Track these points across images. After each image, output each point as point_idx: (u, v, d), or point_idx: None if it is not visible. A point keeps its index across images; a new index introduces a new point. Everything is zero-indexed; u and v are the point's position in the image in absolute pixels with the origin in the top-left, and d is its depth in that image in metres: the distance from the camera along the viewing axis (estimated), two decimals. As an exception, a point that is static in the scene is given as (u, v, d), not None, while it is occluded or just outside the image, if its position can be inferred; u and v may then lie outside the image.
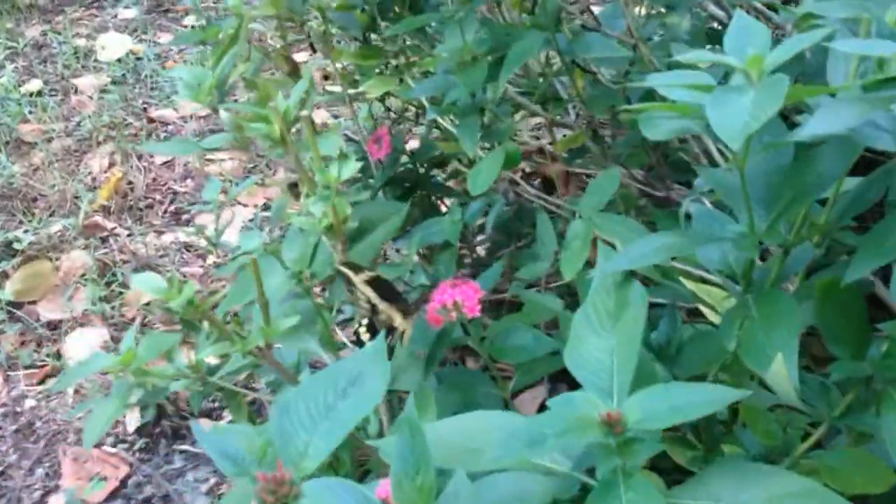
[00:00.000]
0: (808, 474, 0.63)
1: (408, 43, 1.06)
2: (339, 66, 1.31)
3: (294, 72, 1.14)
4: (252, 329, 0.90)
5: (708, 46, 0.93)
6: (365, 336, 0.85)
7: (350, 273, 0.82)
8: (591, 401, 0.58)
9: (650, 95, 0.99)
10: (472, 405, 0.85)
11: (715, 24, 1.07)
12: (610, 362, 0.62)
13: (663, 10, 0.89)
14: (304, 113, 0.75)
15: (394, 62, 1.09)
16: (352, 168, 0.77)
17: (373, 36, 1.23)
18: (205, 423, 1.46)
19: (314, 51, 1.33)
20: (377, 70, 1.17)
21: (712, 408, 0.52)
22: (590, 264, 0.83)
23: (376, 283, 0.83)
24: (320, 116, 2.21)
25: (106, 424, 0.70)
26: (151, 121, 2.33)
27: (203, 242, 1.57)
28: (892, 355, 0.58)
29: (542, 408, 0.88)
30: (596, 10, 1.02)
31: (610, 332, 0.64)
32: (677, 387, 0.55)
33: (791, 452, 0.63)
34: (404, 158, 1.21)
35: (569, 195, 1.03)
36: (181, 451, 1.45)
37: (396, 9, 1.05)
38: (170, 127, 2.32)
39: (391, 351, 0.88)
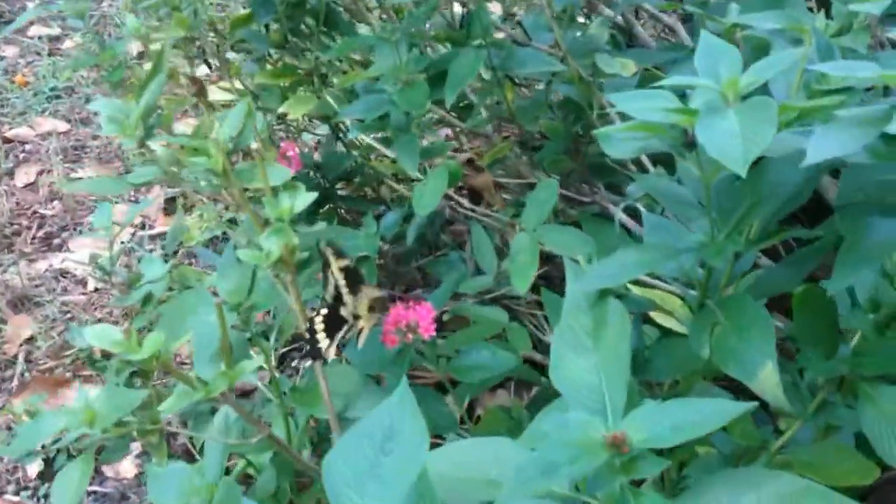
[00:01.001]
0: (783, 469, 0.67)
1: (321, 60, 1.05)
2: (238, 84, 1.29)
3: (200, 92, 1.11)
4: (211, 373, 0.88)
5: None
6: (319, 325, 0.84)
7: (331, 257, 0.81)
8: (589, 422, 0.60)
9: (572, 104, 1.02)
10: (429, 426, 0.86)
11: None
12: (598, 381, 0.64)
13: (584, 20, 0.92)
14: (255, 146, 0.74)
15: (304, 80, 1.08)
16: (305, 199, 0.76)
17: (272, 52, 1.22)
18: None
19: (210, 68, 1.30)
20: (282, 86, 1.16)
21: (716, 424, 0.55)
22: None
23: (350, 274, 0.83)
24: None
25: (77, 494, 0.67)
26: (7, 140, 2.21)
27: (81, 269, 1.51)
28: (862, 353, 0.62)
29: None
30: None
31: (591, 350, 0.66)
32: (675, 405, 0.57)
33: (768, 450, 0.67)
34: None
35: (498, 206, 1.05)
36: (89, 493, 1.40)
37: (306, 25, 1.04)
38: (27, 146, 2.21)
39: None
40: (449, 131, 1.24)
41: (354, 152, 1.27)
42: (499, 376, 0.85)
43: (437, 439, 0.88)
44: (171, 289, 1.28)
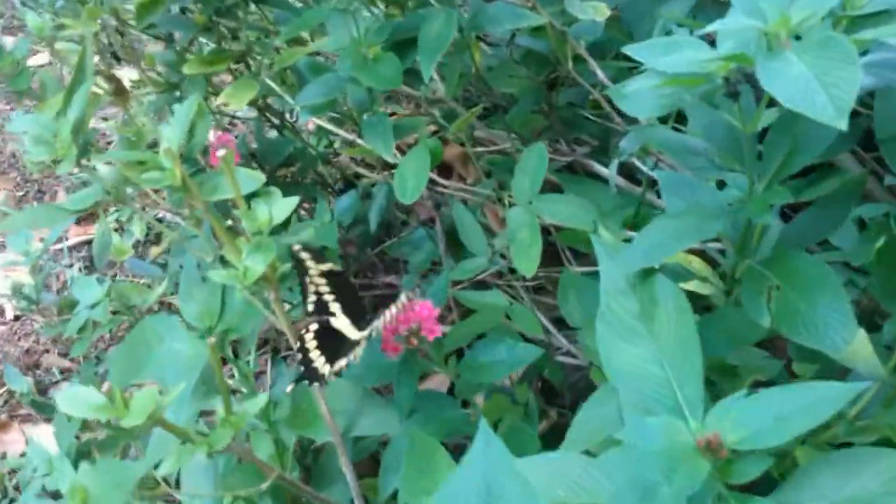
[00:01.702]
0: (863, 434, 0.62)
1: (253, 40, 0.95)
2: (151, 73, 1.17)
3: (119, 91, 0.99)
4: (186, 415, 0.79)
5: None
6: (310, 344, 0.76)
7: (310, 262, 0.72)
8: (671, 424, 0.53)
9: (538, 57, 0.94)
10: (444, 433, 0.78)
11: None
12: (662, 372, 0.58)
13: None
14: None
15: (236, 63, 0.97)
16: (285, 206, 0.67)
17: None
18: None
19: (118, 60, 1.18)
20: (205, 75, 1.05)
21: (827, 412, 0.49)
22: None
23: (333, 279, 0.74)
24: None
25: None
26: None
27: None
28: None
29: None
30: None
31: (646, 336, 0.60)
32: (771, 395, 0.51)
33: (845, 417, 0.62)
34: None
35: (472, 178, 0.97)
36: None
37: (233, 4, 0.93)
38: None
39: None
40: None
41: (286, 133, 1.17)
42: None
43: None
44: (114, 312, 1.17)
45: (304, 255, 0.73)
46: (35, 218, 0.74)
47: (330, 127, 0.92)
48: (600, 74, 0.83)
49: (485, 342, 0.77)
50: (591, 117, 0.93)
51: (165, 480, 0.99)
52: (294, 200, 0.67)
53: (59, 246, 1.81)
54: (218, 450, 0.64)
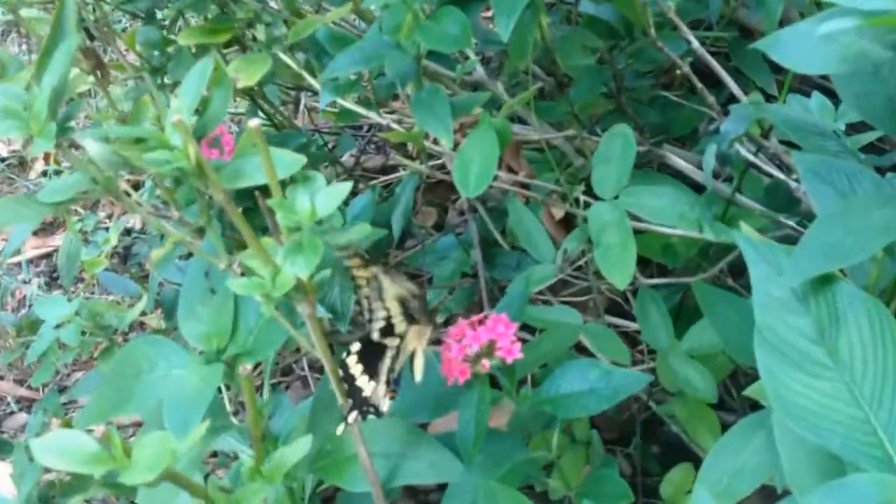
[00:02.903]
0: None
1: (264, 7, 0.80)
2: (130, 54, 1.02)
3: (98, 66, 0.85)
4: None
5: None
6: (355, 368, 0.62)
7: (361, 270, 0.58)
8: (884, 484, 0.40)
9: (604, 26, 0.81)
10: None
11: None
12: (859, 413, 0.44)
13: None
14: (255, 122, 0.49)
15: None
16: (333, 195, 0.52)
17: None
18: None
19: (91, 38, 1.03)
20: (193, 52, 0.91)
21: None
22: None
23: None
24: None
25: None
26: None
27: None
28: None
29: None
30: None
31: (828, 366, 0.46)
32: None
33: None
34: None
35: (524, 172, 0.83)
36: None
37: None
38: None
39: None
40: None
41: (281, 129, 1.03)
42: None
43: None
44: (83, 332, 1.02)
45: (350, 259, 0.58)
46: (7, 211, 0.59)
47: (358, 109, 0.78)
48: (695, 43, 0.70)
49: (569, 367, 0.63)
50: (673, 98, 0.80)
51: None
52: (346, 187, 0.52)
53: (15, 260, 1.64)
54: (247, 513, 0.49)
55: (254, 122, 0.50)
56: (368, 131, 1.56)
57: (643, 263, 0.89)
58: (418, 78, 0.68)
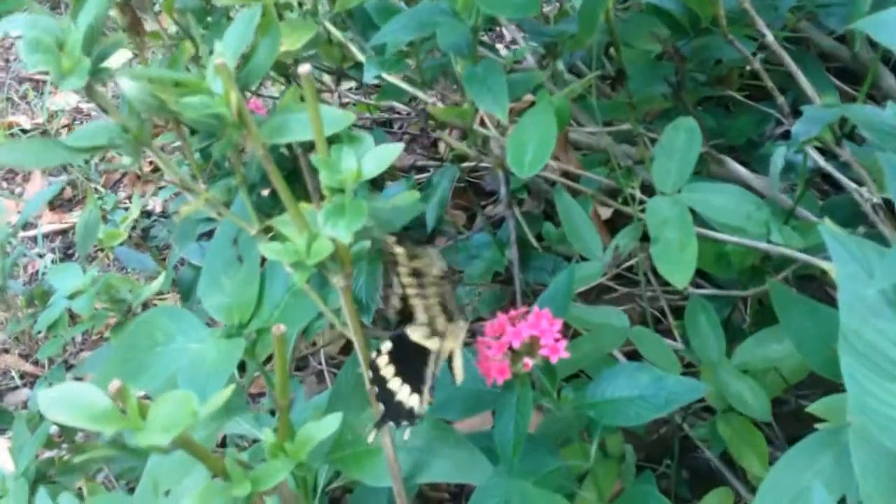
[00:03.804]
0: None
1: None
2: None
3: (134, 24, 0.81)
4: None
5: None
6: (387, 370, 0.57)
7: (397, 249, 0.54)
8: None
9: (670, 20, 0.77)
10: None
11: None
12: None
13: None
14: (304, 68, 0.46)
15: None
16: (382, 156, 0.49)
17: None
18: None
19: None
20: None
21: None
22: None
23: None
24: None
25: None
26: None
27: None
28: None
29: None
30: None
31: (922, 375, 0.42)
32: None
33: None
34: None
35: (573, 164, 0.79)
36: None
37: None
38: None
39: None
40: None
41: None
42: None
43: None
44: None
45: (398, 250, 0.54)
46: (27, 153, 0.55)
47: (403, 85, 0.74)
48: (769, 37, 0.66)
49: (618, 370, 0.58)
50: (740, 98, 0.76)
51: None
52: (396, 148, 0.48)
53: (30, 233, 1.61)
54: (264, 490, 0.45)
55: (304, 68, 0.46)
56: (400, 128, 1.53)
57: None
58: (474, 50, 0.64)
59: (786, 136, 0.77)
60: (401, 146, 0.49)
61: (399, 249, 0.54)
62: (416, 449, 0.63)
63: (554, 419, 0.68)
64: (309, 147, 0.51)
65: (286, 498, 0.55)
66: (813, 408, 0.55)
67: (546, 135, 0.59)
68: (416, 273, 0.56)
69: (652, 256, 0.60)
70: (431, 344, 0.59)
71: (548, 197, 1.09)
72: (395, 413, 0.56)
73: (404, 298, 0.57)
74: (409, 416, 0.56)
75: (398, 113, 1.49)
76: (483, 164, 1.39)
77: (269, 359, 1.09)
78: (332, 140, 0.50)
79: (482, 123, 0.73)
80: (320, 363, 1.18)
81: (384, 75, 0.74)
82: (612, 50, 0.76)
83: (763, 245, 0.70)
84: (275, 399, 0.50)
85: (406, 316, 0.58)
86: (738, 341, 0.73)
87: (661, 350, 0.68)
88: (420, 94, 0.72)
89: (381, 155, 0.49)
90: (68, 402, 0.41)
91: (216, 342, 0.62)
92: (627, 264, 0.77)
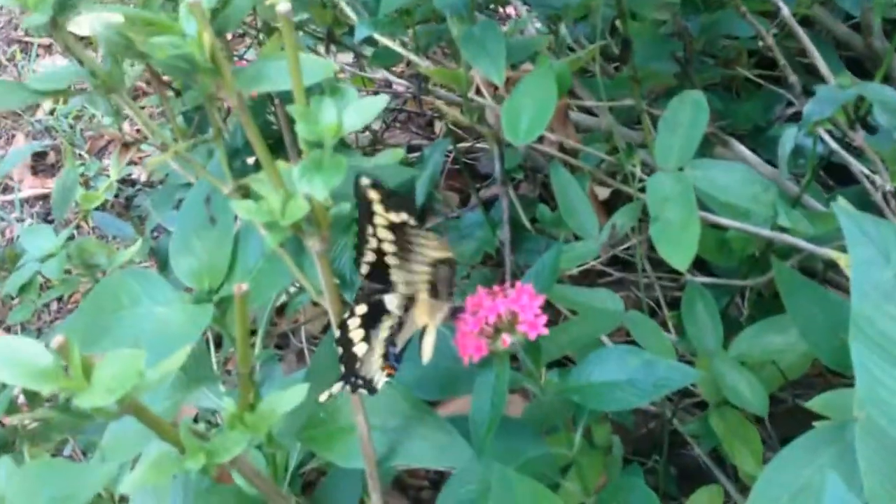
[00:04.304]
0: None
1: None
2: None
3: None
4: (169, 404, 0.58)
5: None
6: (356, 332, 0.54)
7: (378, 205, 0.50)
8: None
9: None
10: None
11: None
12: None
13: None
14: (284, 6, 0.42)
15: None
16: (365, 109, 0.45)
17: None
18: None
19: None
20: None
21: None
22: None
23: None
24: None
25: None
26: None
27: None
28: None
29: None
30: None
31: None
32: None
33: None
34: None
35: (571, 138, 0.76)
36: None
37: None
38: None
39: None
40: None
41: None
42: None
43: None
44: (68, 271, 0.95)
45: (372, 195, 0.51)
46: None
47: (397, 48, 0.70)
48: (785, 10, 0.63)
49: (607, 353, 0.55)
50: (747, 75, 0.72)
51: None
52: (380, 101, 0.45)
53: (9, 197, 1.57)
54: (221, 462, 0.41)
55: (283, 7, 0.43)
56: (396, 109, 1.50)
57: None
58: (471, 10, 0.61)
59: (796, 118, 0.74)
60: (386, 98, 0.45)
61: (374, 194, 0.50)
62: (391, 429, 0.60)
63: (539, 405, 0.65)
64: (290, 100, 0.47)
65: (250, 478, 0.51)
66: (812, 403, 0.52)
67: (545, 101, 0.56)
68: (394, 229, 0.52)
69: (651, 237, 0.57)
70: (395, 308, 0.55)
71: (544, 181, 1.06)
72: (355, 379, 0.53)
73: (379, 253, 0.53)
74: (368, 385, 0.53)
75: (395, 93, 1.46)
76: (479, 146, 1.36)
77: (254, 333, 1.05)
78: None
79: (478, 92, 0.70)
80: (301, 342, 1.14)
81: (377, 36, 0.71)
82: (617, 25, 0.73)
83: (766, 232, 0.67)
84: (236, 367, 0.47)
85: (378, 277, 0.54)
86: (735, 335, 0.70)
87: (656, 337, 0.64)
88: (413, 58, 0.69)
89: (365, 108, 0.45)
90: (7, 357, 0.38)
91: (183, 307, 0.59)
92: (622, 247, 0.74)
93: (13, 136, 1.75)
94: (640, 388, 0.53)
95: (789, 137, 0.63)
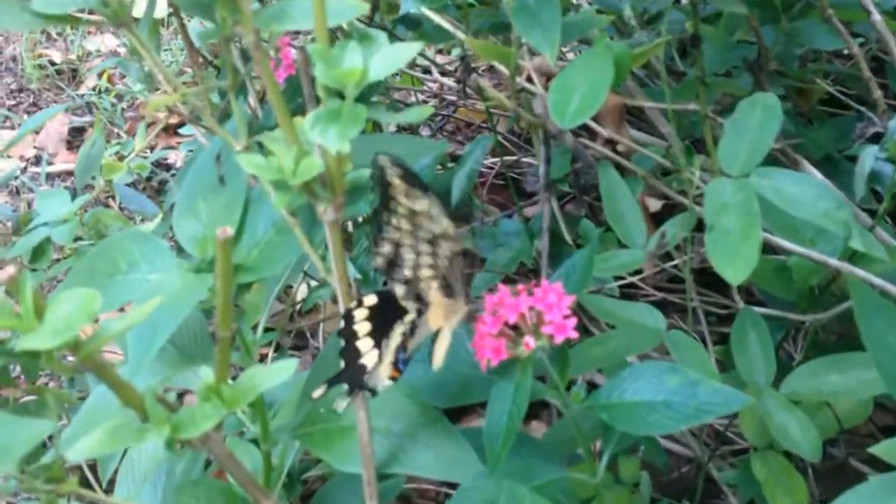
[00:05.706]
0: None
1: None
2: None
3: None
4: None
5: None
6: (361, 325, 0.49)
7: (398, 182, 0.45)
8: None
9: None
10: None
11: None
12: None
13: None
14: None
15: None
16: (393, 57, 0.40)
17: None
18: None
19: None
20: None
21: None
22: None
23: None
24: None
25: None
26: None
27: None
28: None
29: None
30: None
31: None
32: None
33: None
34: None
35: (624, 136, 0.70)
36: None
37: None
38: None
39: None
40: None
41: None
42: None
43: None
44: (78, 238, 0.91)
45: (393, 172, 0.46)
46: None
47: (446, 24, 0.66)
48: (875, 15, 0.57)
49: (643, 368, 0.49)
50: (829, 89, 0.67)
51: (87, 478, 0.72)
52: (414, 47, 0.40)
53: (38, 169, 1.55)
54: (186, 438, 0.36)
55: None
56: (443, 119, 1.45)
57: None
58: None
59: (876, 140, 0.68)
60: (419, 45, 0.40)
61: (397, 181, 0.45)
62: (396, 433, 0.54)
63: (564, 426, 0.59)
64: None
65: (239, 478, 0.46)
66: (877, 449, 0.46)
67: (599, 81, 0.50)
68: (412, 218, 0.47)
69: (705, 248, 0.51)
70: (409, 306, 0.50)
71: (591, 203, 1.01)
72: (354, 376, 0.48)
73: (396, 245, 0.48)
74: (367, 384, 0.48)
75: (444, 100, 1.42)
76: (525, 160, 1.31)
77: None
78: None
79: (528, 80, 0.65)
80: (319, 343, 1.10)
81: (426, 11, 0.66)
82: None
83: (834, 261, 0.61)
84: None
85: (393, 267, 0.50)
86: (785, 378, 0.64)
87: (699, 360, 0.58)
88: (459, 35, 0.64)
89: (393, 55, 0.40)
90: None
91: (181, 275, 0.54)
92: (670, 264, 0.68)
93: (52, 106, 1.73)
94: (678, 411, 0.48)
95: (869, 155, 0.57)
